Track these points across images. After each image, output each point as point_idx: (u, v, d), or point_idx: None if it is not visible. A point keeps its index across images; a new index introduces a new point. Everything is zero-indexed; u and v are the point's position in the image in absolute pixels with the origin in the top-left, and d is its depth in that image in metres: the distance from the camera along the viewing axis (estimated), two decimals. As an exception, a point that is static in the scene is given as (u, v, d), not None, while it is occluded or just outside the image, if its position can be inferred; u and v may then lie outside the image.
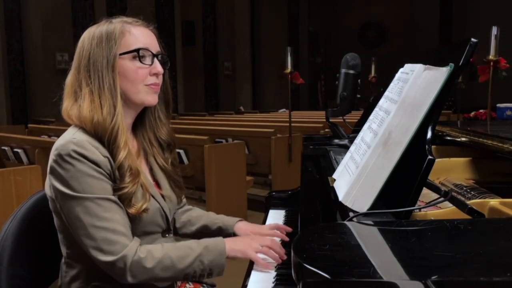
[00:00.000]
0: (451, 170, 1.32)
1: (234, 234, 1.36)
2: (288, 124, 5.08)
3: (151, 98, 1.20)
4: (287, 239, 1.35)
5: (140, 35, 1.19)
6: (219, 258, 1.14)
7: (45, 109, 8.31)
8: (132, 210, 1.13)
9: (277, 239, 1.30)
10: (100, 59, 1.14)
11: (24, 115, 9.17)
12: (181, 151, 4.23)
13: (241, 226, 1.37)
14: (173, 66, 11.60)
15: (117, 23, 1.18)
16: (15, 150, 4.59)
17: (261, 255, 1.18)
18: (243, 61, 13.74)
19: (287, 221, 1.59)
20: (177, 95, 11.93)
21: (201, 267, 1.12)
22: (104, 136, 1.12)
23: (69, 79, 1.20)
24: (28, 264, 1.24)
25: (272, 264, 1.19)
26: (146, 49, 1.18)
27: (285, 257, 1.19)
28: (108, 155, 1.12)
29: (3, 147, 4.85)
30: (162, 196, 1.26)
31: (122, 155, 1.12)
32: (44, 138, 5.13)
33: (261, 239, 1.22)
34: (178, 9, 11.97)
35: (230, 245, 1.17)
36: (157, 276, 1.09)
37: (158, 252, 1.10)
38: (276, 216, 1.67)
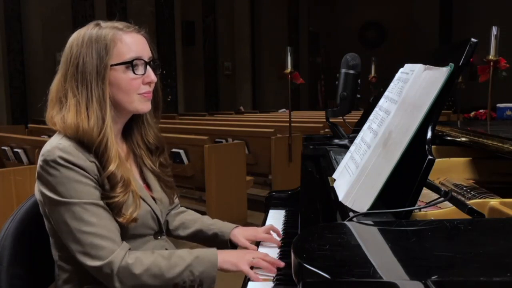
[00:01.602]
0: (451, 170, 1.31)
1: (230, 241, 1.34)
2: (288, 124, 5.08)
3: (144, 106, 1.18)
4: (279, 244, 1.32)
5: (132, 43, 1.15)
6: (210, 269, 1.11)
7: (45, 109, 8.30)
8: (121, 219, 1.11)
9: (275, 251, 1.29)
10: (89, 69, 1.11)
11: (24, 115, 9.17)
12: (181, 151, 4.23)
13: (237, 232, 1.34)
14: (173, 66, 11.60)
15: (107, 29, 1.14)
16: (15, 150, 4.59)
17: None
18: (243, 61, 13.75)
19: (287, 221, 1.59)
20: (177, 95, 11.94)
21: (191, 277, 1.09)
22: (91, 146, 1.10)
23: (55, 85, 1.16)
24: (28, 264, 1.24)
25: (268, 277, 1.14)
26: (139, 59, 1.15)
27: (282, 264, 1.14)
28: (94, 160, 1.10)
29: (3, 147, 4.85)
30: (153, 198, 1.25)
31: (112, 166, 1.10)
32: (44, 138, 5.12)
33: (254, 252, 1.20)
34: (178, 9, 11.97)
35: (223, 257, 1.14)
36: (145, 283, 1.07)
37: (147, 259, 1.09)
38: (276, 216, 1.67)
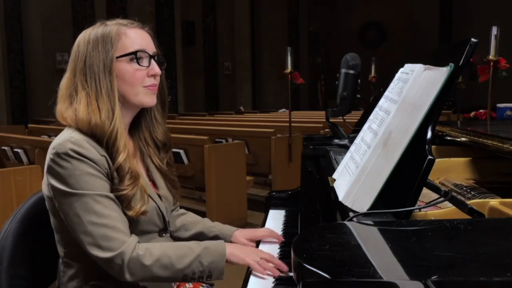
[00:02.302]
0: (451, 170, 1.32)
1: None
2: (288, 124, 5.08)
3: (149, 99, 1.20)
4: (282, 239, 1.35)
5: (136, 37, 1.18)
6: (219, 260, 1.13)
7: (45, 109, 8.31)
8: (130, 213, 1.12)
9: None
10: (96, 63, 1.14)
11: (24, 115, 9.17)
12: (181, 151, 4.23)
13: (237, 235, 1.36)
14: (173, 66, 11.60)
15: (112, 26, 1.18)
16: (15, 150, 4.59)
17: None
18: (243, 61, 13.74)
19: (287, 221, 1.59)
20: (177, 95, 11.94)
21: (200, 268, 1.11)
22: (103, 138, 1.12)
23: (64, 82, 1.19)
24: (28, 264, 1.24)
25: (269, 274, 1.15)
26: (143, 51, 1.18)
27: (285, 268, 1.14)
28: (105, 154, 1.12)
29: (3, 147, 4.85)
30: (159, 195, 1.26)
31: (121, 157, 1.12)
32: (44, 138, 5.13)
33: (260, 252, 1.21)
34: (178, 9, 11.97)
35: (230, 249, 1.16)
36: (155, 274, 1.09)
37: (156, 250, 1.10)
38: (276, 216, 1.67)
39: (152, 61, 1.20)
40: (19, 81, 9.22)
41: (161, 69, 1.22)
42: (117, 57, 1.15)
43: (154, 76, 1.20)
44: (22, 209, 1.26)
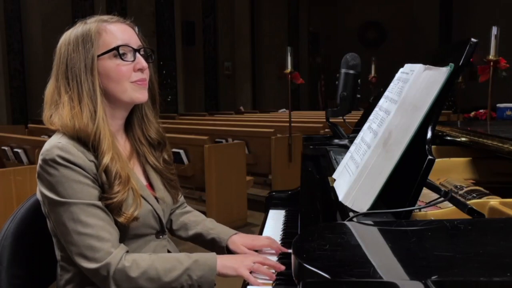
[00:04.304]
0: (451, 170, 1.32)
1: (227, 247, 1.30)
2: (288, 124, 5.08)
3: (140, 95, 1.16)
4: (282, 249, 1.27)
5: (117, 31, 1.14)
6: (209, 274, 1.09)
7: (42, 111, 8.29)
8: (121, 219, 1.10)
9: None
10: (78, 64, 1.11)
11: (24, 115, 9.18)
12: (181, 151, 4.23)
13: (235, 239, 1.31)
14: (173, 66, 11.60)
15: (91, 23, 1.14)
16: (15, 150, 4.59)
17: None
18: (243, 61, 13.75)
19: (287, 221, 1.59)
20: (177, 95, 11.94)
21: (189, 282, 1.07)
22: (88, 142, 1.09)
23: (48, 89, 1.17)
24: (28, 264, 1.24)
25: (267, 281, 1.11)
26: (126, 45, 1.14)
27: (282, 268, 1.11)
28: (94, 159, 1.10)
29: (3, 147, 4.85)
30: (156, 198, 1.23)
31: (106, 159, 1.09)
32: (44, 138, 5.12)
33: (253, 256, 1.17)
34: (178, 9, 11.97)
35: (222, 261, 1.11)
36: (141, 286, 1.06)
37: (144, 262, 1.07)
38: (276, 216, 1.67)
39: (137, 54, 1.16)
40: (19, 81, 9.23)
41: (148, 62, 1.19)
42: (99, 55, 1.12)
43: (141, 70, 1.16)
44: (22, 209, 1.26)
